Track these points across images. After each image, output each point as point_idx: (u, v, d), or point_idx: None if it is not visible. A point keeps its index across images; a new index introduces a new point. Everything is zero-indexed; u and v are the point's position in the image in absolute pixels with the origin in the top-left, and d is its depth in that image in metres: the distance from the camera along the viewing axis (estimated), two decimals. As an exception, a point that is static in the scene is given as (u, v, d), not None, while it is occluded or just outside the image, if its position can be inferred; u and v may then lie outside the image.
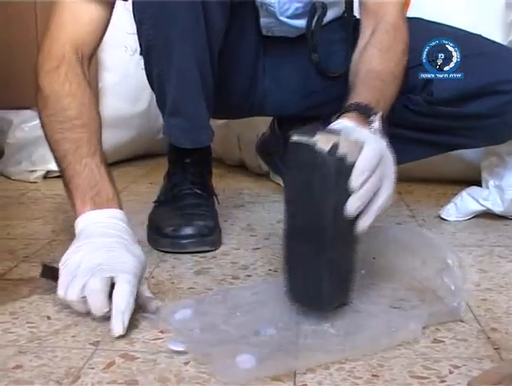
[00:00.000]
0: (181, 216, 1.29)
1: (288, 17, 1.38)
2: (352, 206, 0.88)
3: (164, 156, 1.49)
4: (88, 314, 0.95)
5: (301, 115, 1.56)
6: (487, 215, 1.50)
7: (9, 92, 2.03)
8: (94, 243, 1.00)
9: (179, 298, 1.06)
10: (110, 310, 0.92)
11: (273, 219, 1.52)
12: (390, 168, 0.94)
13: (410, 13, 1.72)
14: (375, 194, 0.90)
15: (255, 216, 1.56)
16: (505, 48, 1.45)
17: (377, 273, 1.05)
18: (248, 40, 1.42)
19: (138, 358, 0.86)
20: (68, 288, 0.95)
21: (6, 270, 1.19)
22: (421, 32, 1.31)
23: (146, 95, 2.08)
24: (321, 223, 0.88)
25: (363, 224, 0.90)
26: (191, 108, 1.25)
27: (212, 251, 1.28)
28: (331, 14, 1.42)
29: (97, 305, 0.93)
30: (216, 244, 1.30)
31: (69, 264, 0.97)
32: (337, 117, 1.06)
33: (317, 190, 0.87)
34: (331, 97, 1.45)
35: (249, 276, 1.15)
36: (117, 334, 0.90)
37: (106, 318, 0.96)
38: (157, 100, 1.30)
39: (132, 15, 1.24)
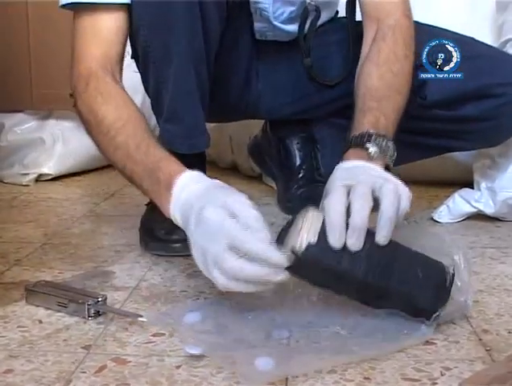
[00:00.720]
0: (173, 220, 1.29)
1: (282, 21, 1.38)
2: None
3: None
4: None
5: (294, 118, 1.57)
6: (479, 216, 1.50)
7: (0, 95, 2.02)
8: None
9: (171, 301, 1.06)
10: None
11: (265, 222, 1.51)
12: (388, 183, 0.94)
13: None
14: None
15: (248, 219, 1.55)
16: (499, 51, 1.45)
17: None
18: (242, 45, 1.42)
19: (129, 361, 0.86)
20: None
21: (-2, 274, 1.20)
22: (421, 32, 1.31)
23: (139, 98, 2.08)
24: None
25: (381, 238, 0.90)
26: (188, 114, 1.25)
27: (204, 254, 1.28)
28: (326, 16, 1.42)
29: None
30: (208, 247, 1.29)
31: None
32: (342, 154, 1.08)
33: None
34: (324, 101, 1.45)
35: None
36: None
37: (98, 322, 0.97)
38: (152, 106, 1.29)
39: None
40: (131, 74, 1.34)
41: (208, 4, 1.18)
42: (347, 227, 0.89)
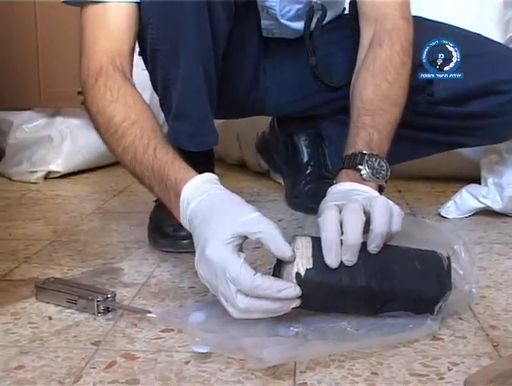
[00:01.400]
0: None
1: (289, 19, 1.39)
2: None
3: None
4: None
5: (301, 115, 1.58)
6: (486, 212, 1.50)
7: (9, 93, 2.04)
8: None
9: (180, 298, 1.07)
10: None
11: (273, 218, 1.49)
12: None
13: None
14: None
15: (255, 215, 1.56)
16: (505, 48, 1.45)
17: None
18: (249, 42, 1.43)
19: (138, 357, 0.87)
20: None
21: (8, 271, 1.20)
22: (421, 32, 1.31)
23: (147, 95, 2.09)
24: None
25: (372, 248, 0.91)
26: (196, 112, 1.25)
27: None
28: (331, 14, 1.43)
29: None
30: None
31: None
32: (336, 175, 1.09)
33: None
34: (329, 100, 1.46)
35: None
36: None
37: (108, 318, 0.98)
38: (161, 104, 1.30)
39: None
40: (139, 71, 1.35)
41: (215, 3, 1.18)
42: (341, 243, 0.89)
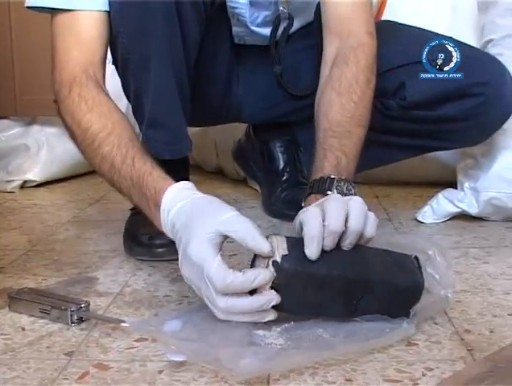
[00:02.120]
0: (157, 224, 1.29)
1: (258, 25, 1.39)
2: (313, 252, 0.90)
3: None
4: None
5: (275, 122, 1.58)
6: (463, 216, 1.51)
7: (-16, 102, 2.03)
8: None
9: (155, 306, 1.06)
10: None
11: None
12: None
13: (385, 15, 1.75)
14: None
15: (232, 222, 1.55)
16: (477, 51, 1.46)
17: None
18: (222, 49, 1.43)
19: (112, 367, 0.86)
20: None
21: (-19, 281, 1.19)
22: (419, 40, 1.34)
23: (123, 104, 2.08)
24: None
25: (345, 244, 0.92)
26: (169, 120, 1.24)
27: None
28: (300, 22, 1.42)
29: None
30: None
31: None
32: (303, 201, 1.10)
33: None
34: (298, 107, 1.46)
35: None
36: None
37: (81, 328, 0.98)
38: (134, 112, 1.29)
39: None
40: (116, 80, 1.34)
41: (186, 10, 1.17)
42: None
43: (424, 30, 1.44)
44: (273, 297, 0.88)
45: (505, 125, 1.43)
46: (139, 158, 1.05)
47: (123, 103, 2.08)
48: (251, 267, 0.92)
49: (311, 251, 0.89)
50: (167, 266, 1.24)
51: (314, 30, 1.40)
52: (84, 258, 1.32)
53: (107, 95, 1.15)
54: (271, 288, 0.88)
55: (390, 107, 1.38)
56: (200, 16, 1.23)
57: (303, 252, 0.90)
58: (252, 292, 0.89)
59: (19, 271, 1.25)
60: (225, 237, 0.90)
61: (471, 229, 1.46)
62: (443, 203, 1.50)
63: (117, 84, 1.30)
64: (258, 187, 1.77)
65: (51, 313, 1.01)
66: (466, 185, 1.51)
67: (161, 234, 1.26)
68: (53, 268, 1.26)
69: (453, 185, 1.56)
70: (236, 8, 1.36)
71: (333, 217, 0.90)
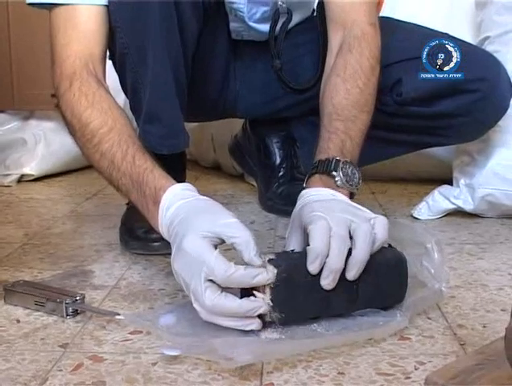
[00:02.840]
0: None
1: (256, 21, 1.39)
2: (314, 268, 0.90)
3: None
4: None
5: (272, 117, 1.58)
6: (458, 213, 1.52)
7: (-19, 96, 2.03)
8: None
9: (150, 300, 1.06)
10: None
11: (246, 221, 1.53)
12: (355, 216, 0.95)
13: (383, 12, 1.75)
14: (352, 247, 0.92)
15: (228, 217, 1.56)
16: (473, 47, 1.46)
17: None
18: (219, 45, 1.43)
19: (106, 359, 0.87)
20: None
21: (-23, 274, 1.20)
22: (416, 37, 1.34)
23: (121, 99, 2.09)
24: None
25: (350, 276, 0.92)
26: (166, 115, 1.24)
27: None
28: (299, 17, 1.43)
29: None
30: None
31: None
32: (306, 181, 1.10)
33: None
34: (296, 102, 1.46)
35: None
36: None
37: (76, 320, 0.98)
38: (131, 107, 1.29)
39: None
40: (114, 75, 1.35)
41: (184, 5, 1.18)
42: None
43: (421, 26, 1.45)
44: (261, 305, 0.87)
45: (501, 122, 1.44)
46: (140, 156, 1.06)
47: (121, 98, 2.08)
48: None
49: (314, 267, 0.89)
50: (162, 260, 1.25)
51: (312, 25, 1.41)
52: (80, 252, 1.33)
53: (107, 90, 1.15)
54: (271, 288, 0.88)
55: (386, 103, 1.38)
56: (198, 11, 1.23)
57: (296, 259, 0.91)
58: (243, 295, 0.89)
59: (15, 264, 1.25)
60: (222, 241, 0.90)
61: (466, 226, 1.46)
62: (439, 200, 1.51)
63: (115, 78, 1.30)
64: (254, 183, 1.77)
65: (46, 305, 1.01)
66: (462, 182, 1.51)
67: (157, 228, 1.27)
68: (49, 262, 1.26)
69: (449, 182, 1.56)
70: (234, 3, 1.37)
71: (334, 253, 0.90)
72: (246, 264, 0.88)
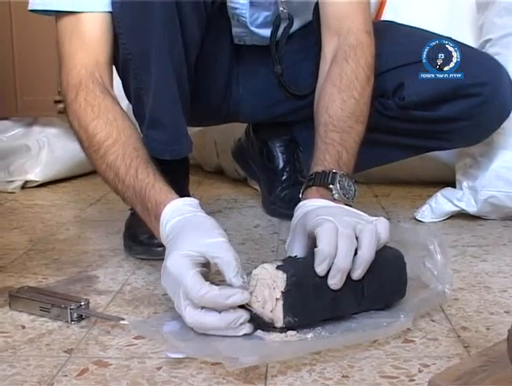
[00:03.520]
0: (157, 223, 1.30)
1: (258, 26, 1.39)
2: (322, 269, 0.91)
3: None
4: None
5: (275, 121, 1.58)
6: (461, 215, 1.52)
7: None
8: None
9: (154, 305, 1.07)
10: None
11: (249, 225, 1.53)
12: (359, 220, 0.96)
13: (385, 16, 1.76)
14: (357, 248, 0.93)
15: (232, 222, 1.57)
16: (474, 51, 1.47)
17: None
18: (222, 49, 1.43)
19: (111, 364, 0.87)
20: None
21: (-18, 280, 1.20)
22: (418, 41, 1.35)
23: (124, 106, 2.09)
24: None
25: (355, 276, 0.92)
26: (169, 120, 1.24)
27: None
28: (300, 22, 1.43)
29: None
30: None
31: None
32: (302, 193, 1.11)
33: None
34: (298, 106, 1.46)
35: (223, 281, 1.15)
36: None
37: (81, 326, 0.99)
38: (134, 112, 1.30)
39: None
40: (117, 81, 1.35)
41: (186, 10, 1.18)
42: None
43: (423, 30, 1.45)
44: (242, 315, 0.88)
45: (504, 125, 1.44)
46: (143, 169, 1.07)
47: (124, 104, 2.09)
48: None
49: (322, 268, 0.90)
50: (166, 265, 1.25)
51: (313, 31, 1.41)
52: (84, 257, 1.33)
53: (113, 99, 1.16)
54: (283, 293, 0.88)
55: (388, 107, 1.39)
56: (201, 17, 1.24)
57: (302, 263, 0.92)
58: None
59: (20, 270, 1.25)
60: (207, 261, 0.91)
61: (469, 228, 1.46)
62: (442, 202, 1.51)
63: (118, 85, 1.30)
64: (257, 187, 1.77)
65: (51, 311, 1.01)
66: (465, 184, 1.51)
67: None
68: (53, 268, 1.27)
69: (452, 184, 1.56)
70: (236, 9, 1.37)
71: (342, 253, 0.91)
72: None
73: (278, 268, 0.90)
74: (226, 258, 0.90)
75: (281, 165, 1.62)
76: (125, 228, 1.37)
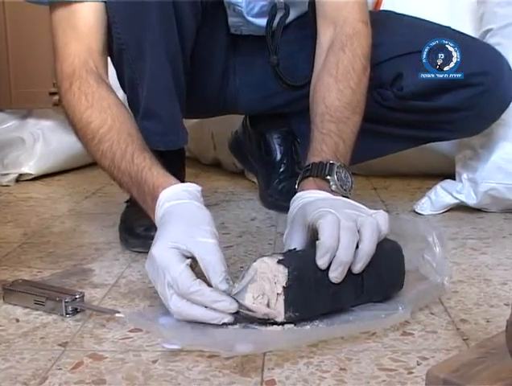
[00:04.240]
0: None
1: (254, 16, 1.39)
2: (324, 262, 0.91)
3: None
4: None
5: (272, 112, 1.58)
6: (462, 208, 1.52)
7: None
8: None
9: (149, 298, 1.07)
10: None
11: (246, 217, 1.54)
12: (360, 213, 0.96)
13: (384, 5, 1.75)
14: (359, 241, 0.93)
15: (229, 215, 1.57)
16: (476, 40, 1.47)
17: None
18: (218, 39, 1.43)
19: (106, 357, 0.87)
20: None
21: (-24, 274, 1.20)
22: (418, 32, 1.35)
23: (121, 93, 2.09)
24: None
25: (356, 269, 0.92)
26: (165, 111, 1.25)
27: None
28: (296, 12, 1.43)
29: None
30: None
31: None
32: (298, 184, 1.11)
33: None
34: (295, 97, 1.46)
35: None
36: None
37: (76, 319, 0.99)
38: (129, 103, 1.30)
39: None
40: (112, 71, 1.35)
41: (182, 1, 1.18)
42: None
43: (422, 20, 1.45)
44: (224, 317, 0.88)
45: (504, 116, 1.44)
46: (139, 154, 1.08)
47: (120, 94, 2.09)
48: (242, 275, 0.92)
49: (323, 261, 0.90)
50: (162, 258, 1.25)
51: (309, 20, 1.41)
52: (79, 250, 1.33)
53: (108, 87, 1.17)
54: (284, 288, 0.88)
55: (387, 97, 1.39)
56: (196, 6, 1.24)
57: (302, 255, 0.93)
58: None
59: (14, 263, 1.25)
60: (194, 257, 0.91)
61: (469, 220, 1.47)
62: (442, 195, 1.51)
63: (113, 74, 1.30)
64: (255, 179, 1.78)
65: (45, 304, 1.01)
66: (464, 176, 1.51)
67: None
68: (48, 261, 1.27)
69: (452, 176, 1.56)
70: None
71: (344, 245, 0.91)
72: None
73: (279, 262, 0.90)
74: (213, 261, 0.90)
75: (278, 157, 1.62)
76: (120, 221, 1.37)
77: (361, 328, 0.91)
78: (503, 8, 1.57)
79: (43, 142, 2.08)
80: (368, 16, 1.26)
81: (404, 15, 1.48)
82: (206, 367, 0.84)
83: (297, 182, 1.12)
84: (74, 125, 1.15)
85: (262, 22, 1.40)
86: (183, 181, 1.41)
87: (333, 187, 1.08)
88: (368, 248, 0.92)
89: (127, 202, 1.40)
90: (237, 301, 0.88)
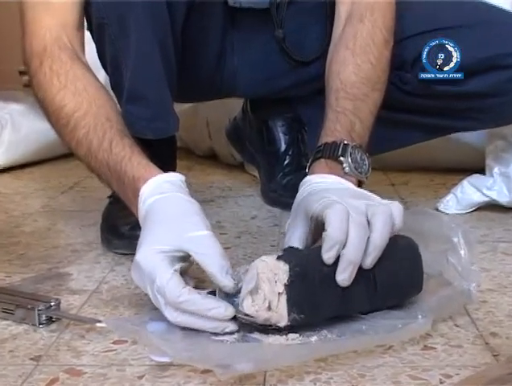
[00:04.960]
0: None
1: (255, -16, 1.40)
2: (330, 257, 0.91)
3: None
4: None
5: (276, 96, 1.58)
6: (492, 207, 1.52)
7: None
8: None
9: (135, 305, 1.07)
10: None
11: (246, 216, 1.54)
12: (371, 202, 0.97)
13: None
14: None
15: (226, 213, 1.58)
16: (509, 16, 1.46)
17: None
18: (214, 13, 1.42)
19: (85, 373, 0.88)
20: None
21: None
22: (420, 28, 1.35)
23: (101, 77, 2.10)
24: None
25: (366, 263, 0.93)
26: (152, 94, 1.24)
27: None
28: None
29: None
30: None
31: None
32: (309, 166, 1.12)
33: None
34: (303, 77, 1.46)
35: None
36: None
37: (51, 329, 1.00)
38: (111, 85, 1.30)
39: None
40: (92, 48, 1.36)
41: None
42: None
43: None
44: (228, 325, 0.90)
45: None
46: (117, 142, 1.08)
47: (101, 76, 2.09)
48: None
49: (329, 256, 0.91)
50: (149, 261, 1.26)
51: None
52: (54, 252, 1.34)
53: (84, 66, 1.17)
54: (286, 286, 0.89)
55: (407, 81, 1.39)
56: None
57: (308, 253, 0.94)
58: None
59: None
60: (187, 255, 0.93)
61: (501, 221, 1.47)
62: (469, 192, 1.51)
63: (94, 53, 1.31)
64: (256, 173, 1.78)
65: (15, 313, 1.02)
66: (496, 170, 1.52)
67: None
68: (18, 264, 1.28)
69: (481, 170, 1.57)
70: None
71: (352, 242, 0.91)
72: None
73: (278, 258, 0.91)
74: (211, 255, 0.91)
75: (283, 147, 1.63)
76: (102, 220, 1.38)
77: (375, 341, 0.91)
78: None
79: (11, 129, 2.08)
80: None
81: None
82: (199, 383, 0.84)
83: (308, 165, 1.13)
84: (46, 109, 1.16)
85: (264, -8, 1.41)
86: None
87: (346, 170, 1.08)
88: (379, 239, 0.92)
89: (110, 197, 1.41)
90: (235, 308, 0.89)
